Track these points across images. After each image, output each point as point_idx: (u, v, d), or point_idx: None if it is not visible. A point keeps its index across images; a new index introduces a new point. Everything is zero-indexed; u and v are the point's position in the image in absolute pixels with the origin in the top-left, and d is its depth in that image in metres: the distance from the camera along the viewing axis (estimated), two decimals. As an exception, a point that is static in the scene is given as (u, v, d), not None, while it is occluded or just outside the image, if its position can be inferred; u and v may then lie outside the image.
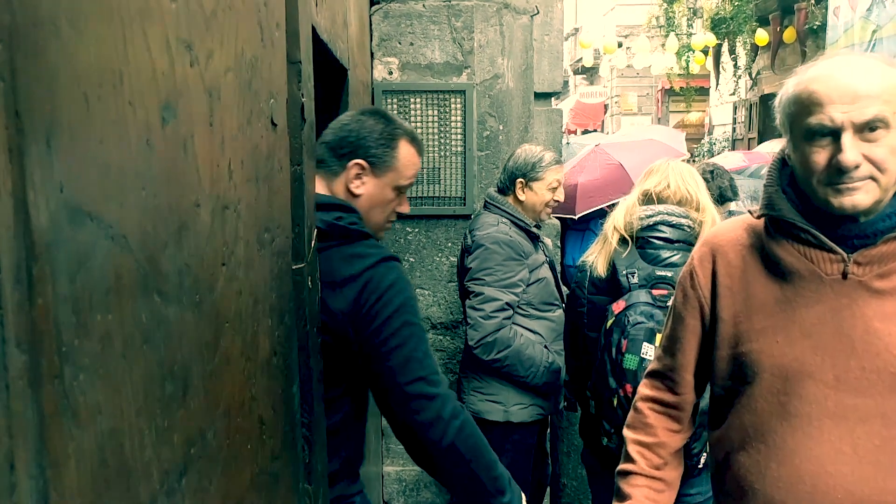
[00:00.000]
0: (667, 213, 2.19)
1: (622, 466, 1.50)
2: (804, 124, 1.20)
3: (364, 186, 1.56)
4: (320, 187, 1.54)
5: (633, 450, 1.49)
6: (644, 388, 1.53)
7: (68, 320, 0.53)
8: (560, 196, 2.71)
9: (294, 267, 1.26)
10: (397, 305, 1.44)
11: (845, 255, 1.23)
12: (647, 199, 2.24)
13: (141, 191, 0.66)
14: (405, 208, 1.67)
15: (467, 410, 1.52)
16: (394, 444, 3.13)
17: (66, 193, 0.53)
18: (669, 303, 2.05)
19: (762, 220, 1.34)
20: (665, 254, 2.15)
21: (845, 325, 1.22)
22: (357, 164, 1.54)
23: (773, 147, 8.62)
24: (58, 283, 0.52)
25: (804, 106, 1.19)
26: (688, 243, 2.15)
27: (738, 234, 1.38)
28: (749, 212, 1.37)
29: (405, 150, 1.58)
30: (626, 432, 1.52)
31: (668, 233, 2.17)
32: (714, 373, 1.39)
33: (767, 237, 1.32)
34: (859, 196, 1.17)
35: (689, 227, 2.17)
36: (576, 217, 4.21)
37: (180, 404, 0.74)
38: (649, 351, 2.01)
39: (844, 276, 1.23)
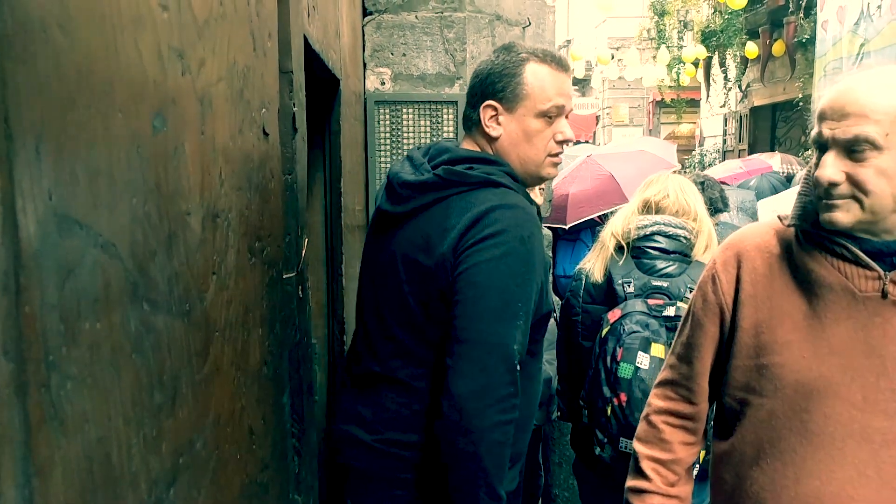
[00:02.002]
0: (663, 224, 2.20)
1: (635, 483, 1.42)
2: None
3: (500, 127, 1.44)
4: (468, 144, 1.48)
5: (647, 466, 1.40)
6: (657, 400, 1.43)
7: (56, 328, 0.53)
8: (537, 199, 2.69)
9: (285, 276, 1.26)
10: (493, 256, 1.28)
11: (882, 272, 1.18)
12: (647, 207, 2.27)
13: (131, 199, 0.66)
14: (566, 133, 1.47)
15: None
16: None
17: (54, 201, 0.53)
18: (666, 312, 2.06)
19: (791, 228, 1.29)
20: (660, 264, 2.16)
21: (877, 345, 1.18)
22: (487, 105, 1.44)
23: (767, 156, 8.64)
24: (45, 291, 0.52)
25: (815, 118, 1.20)
26: (683, 254, 2.17)
27: (765, 240, 1.32)
28: (779, 218, 1.32)
29: (535, 72, 1.43)
30: (638, 447, 1.44)
31: (663, 243, 2.18)
32: (727, 383, 1.32)
33: (798, 247, 1.26)
34: (838, 214, 1.15)
35: (685, 238, 2.19)
36: (566, 227, 4.21)
37: (169, 413, 0.74)
38: (644, 360, 2.01)
39: (884, 294, 1.18)
